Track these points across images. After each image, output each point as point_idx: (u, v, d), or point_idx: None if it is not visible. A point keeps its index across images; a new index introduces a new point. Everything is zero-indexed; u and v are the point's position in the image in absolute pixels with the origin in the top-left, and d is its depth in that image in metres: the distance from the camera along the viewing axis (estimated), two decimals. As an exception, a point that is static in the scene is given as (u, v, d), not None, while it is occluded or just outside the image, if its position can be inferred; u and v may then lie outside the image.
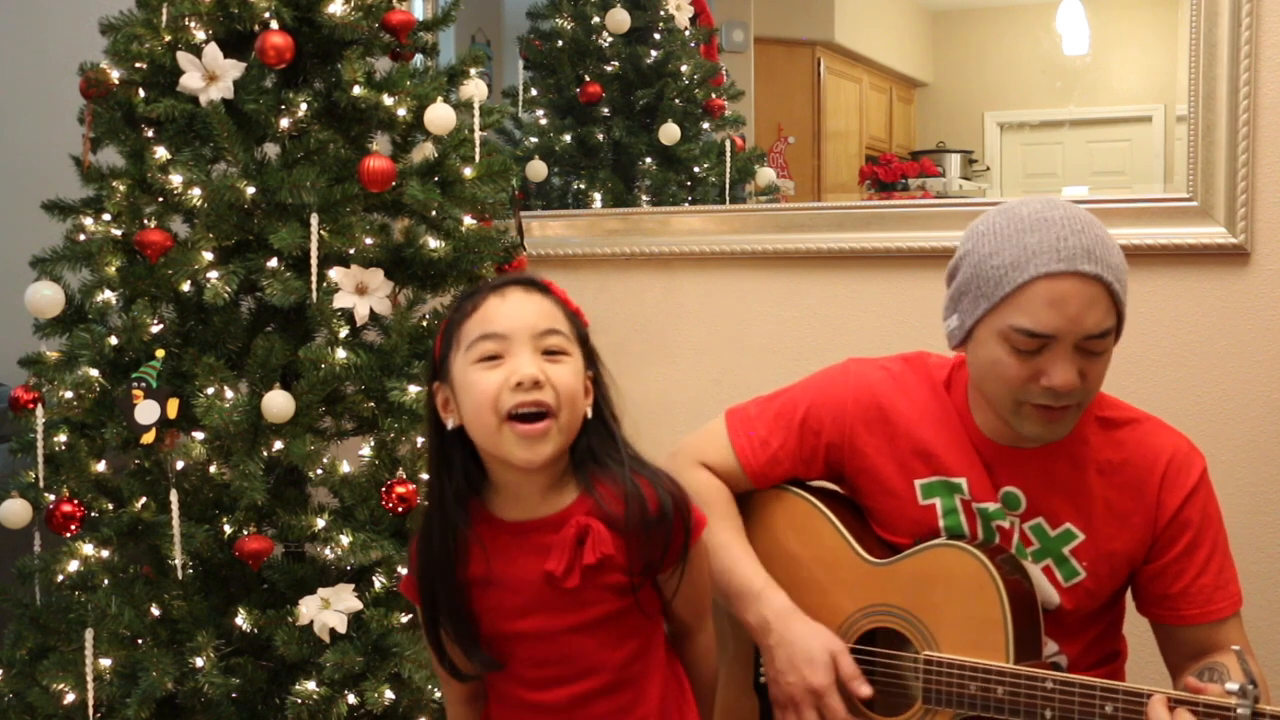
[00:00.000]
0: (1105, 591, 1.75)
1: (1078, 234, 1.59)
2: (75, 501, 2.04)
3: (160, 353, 2.02)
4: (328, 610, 1.96)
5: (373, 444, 2.10)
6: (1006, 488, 1.75)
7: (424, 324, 2.19)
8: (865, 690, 1.67)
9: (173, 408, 2.00)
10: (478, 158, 2.19)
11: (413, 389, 2.04)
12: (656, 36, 3.01)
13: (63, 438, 2.07)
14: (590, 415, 1.48)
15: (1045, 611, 1.71)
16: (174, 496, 1.98)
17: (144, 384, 1.98)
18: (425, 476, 1.60)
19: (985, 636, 1.64)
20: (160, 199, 2.08)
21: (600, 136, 3.01)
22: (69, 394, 2.03)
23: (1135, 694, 1.54)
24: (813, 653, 1.67)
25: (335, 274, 2.05)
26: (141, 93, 2.12)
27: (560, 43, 3.02)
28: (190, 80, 2.04)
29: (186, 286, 2.08)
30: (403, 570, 2.03)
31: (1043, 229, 1.60)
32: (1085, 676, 1.61)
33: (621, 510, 1.45)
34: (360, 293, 2.07)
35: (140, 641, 2.02)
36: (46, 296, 2.07)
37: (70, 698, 1.99)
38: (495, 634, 1.50)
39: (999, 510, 1.75)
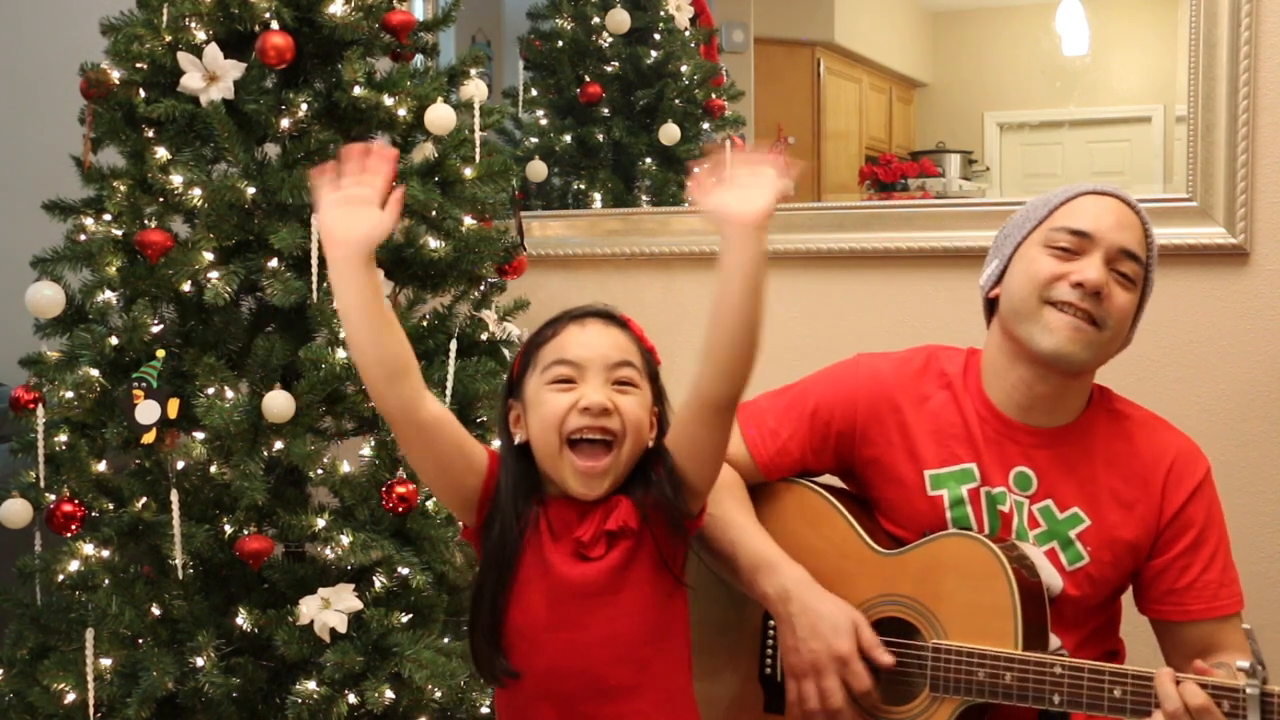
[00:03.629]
0: (1107, 579, 1.76)
1: (1130, 197, 1.78)
2: (76, 501, 2.05)
3: (161, 353, 2.03)
4: (328, 610, 1.97)
5: (373, 444, 2.10)
6: (1019, 468, 1.77)
7: (424, 324, 2.19)
8: (887, 658, 1.67)
9: (173, 408, 2.00)
10: (478, 158, 2.19)
11: (413, 389, 2.04)
12: (656, 37, 3.01)
13: (63, 438, 2.07)
14: (652, 447, 1.54)
15: (1050, 599, 1.72)
16: (174, 496, 1.98)
17: (144, 384, 1.98)
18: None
19: (994, 624, 1.65)
20: (161, 199, 2.08)
21: (600, 137, 3.01)
22: (69, 394, 2.03)
23: (1144, 677, 1.56)
24: (837, 620, 1.68)
25: (335, 274, 2.05)
26: (142, 93, 2.12)
27: (560, 43, 3.02)
28: (191, 80, 2.04)
29: (187, 286, 2.08)
30: (403, 570, 2.03)
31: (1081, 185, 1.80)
32: (1094, 661, 1.61)
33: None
34: (360, 293, 2.07)
35: (141, 641, 2.02)
36: (47, 296, 2.07)
37: (71, 697, 1.99)
38: (523, 624, 1.51)
39: (1002, 493, 1.77)
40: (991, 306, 1.82)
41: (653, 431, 1.54)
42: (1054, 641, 1.72)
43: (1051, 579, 1.73)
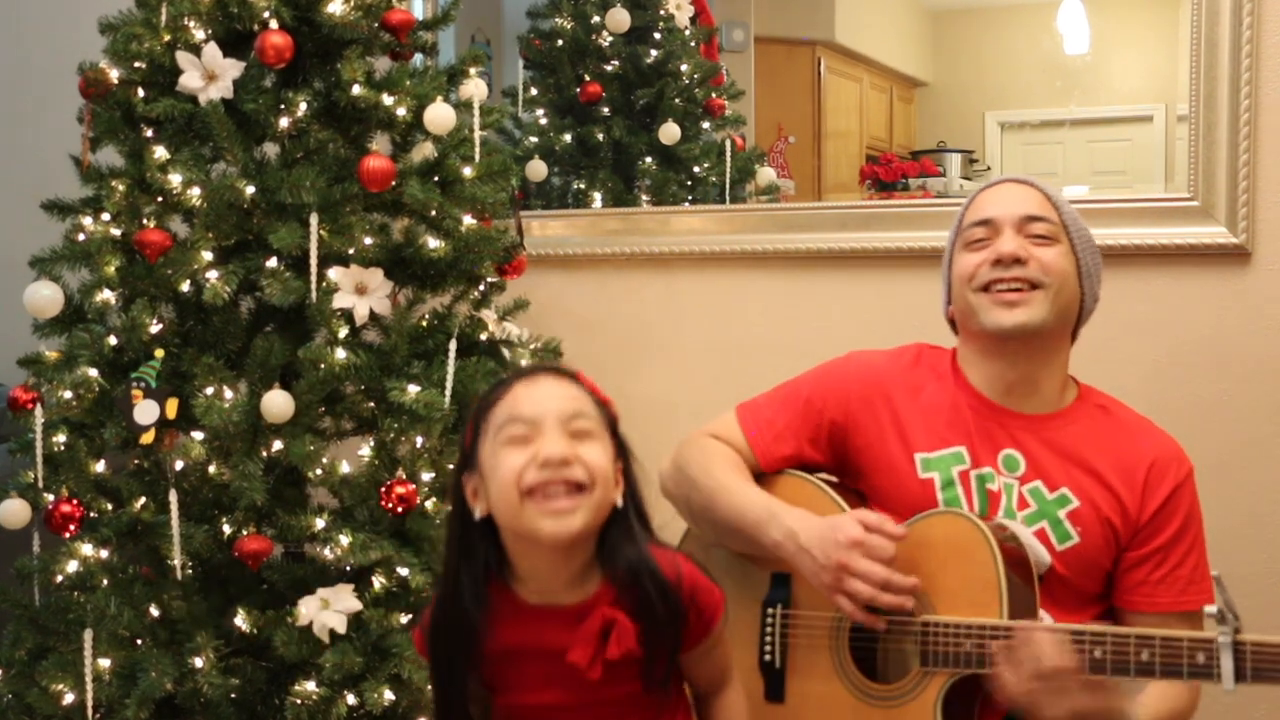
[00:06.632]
0: (1096, 560, 1.79)
1: (1020, 175, 1.90)
2: (74, 502, 2.04)
3: (159, 353, 2.02)
4: (327, 610, 1.96)
5: (372, 444, 2.10)
6: (1006, 450, 1.82)
7: (423, 324, 2.19)
8: (898, 530, 1.70)
9: (172, 408, 2.00)
10: (478, 157, 2.19)
11: (412, 389, 2.04)
12: (656, 36, 3.01)
13: (62, 438, 2.07)
14: (620, 506, 1.47)
15: (1039, 575, 1.74)
16: (173, 497, 1.98)
17: (143, 384, 1.98)
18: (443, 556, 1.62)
19: (980, 597, 1.67)
20: (159, 199, 2.08)
21: (600, 136, 3.01)
22: (68, 394, 2.03)
23: (1123, 636, 1.59)
24: (836, 521, 1.72)
25: (335, 274, 2.05)
26: (141, 92, 2.12)
27: (560, 42, 3.02)
28: (189, 80, 2.04)
29: (186, 286, 2.07)
30: (402, 571, 2.03)
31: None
32: (1075, 624, 1.64)
33: (636, 591, 1.45)
34: (360, 292, 2.07)
35: (139, 642, 2.02)
36: (46, 296, 2.07)
37: (69, 698, 1.99)
38: (514, 705, 1.48)
39: (991, 473, 1.81)
40: (955, 324, 1.93)
41: (619, 488, 1.47)
42: (1046, 620, 1.74)
43: (1039, 554, 1.76)
